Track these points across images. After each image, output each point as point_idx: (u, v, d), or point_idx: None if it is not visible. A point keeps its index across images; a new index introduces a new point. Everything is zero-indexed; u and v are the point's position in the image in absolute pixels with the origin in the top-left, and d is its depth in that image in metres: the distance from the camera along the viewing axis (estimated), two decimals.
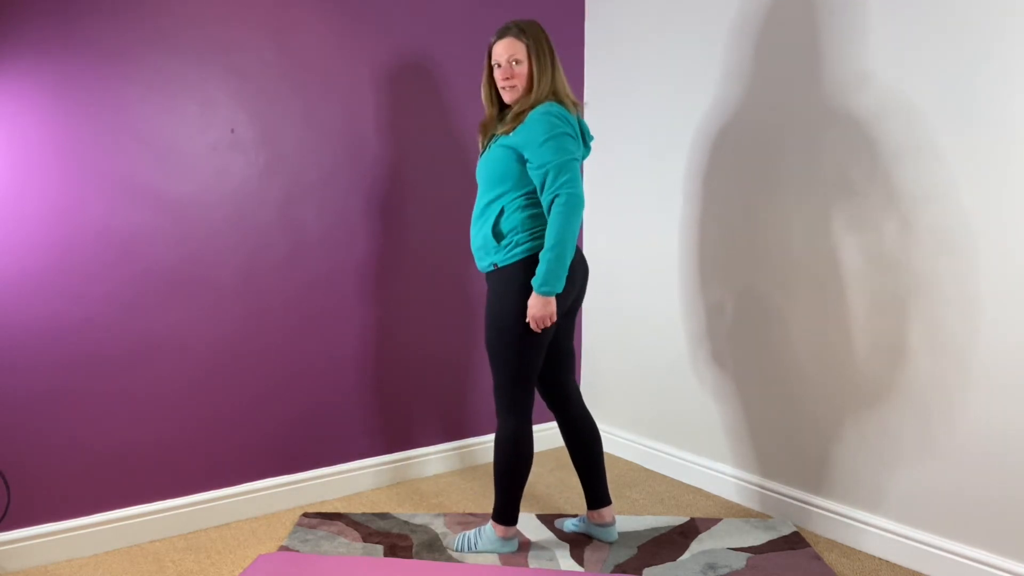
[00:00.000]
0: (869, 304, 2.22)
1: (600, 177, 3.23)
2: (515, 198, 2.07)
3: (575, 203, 1.95)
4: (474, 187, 2.90)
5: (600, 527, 2.31)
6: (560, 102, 2.06)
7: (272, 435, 2.59)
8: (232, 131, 2.43)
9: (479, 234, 2.14)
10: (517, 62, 2.06)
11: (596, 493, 2.30)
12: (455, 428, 3.01)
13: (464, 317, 2.99)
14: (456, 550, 2.24)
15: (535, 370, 2.12)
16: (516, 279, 2.05)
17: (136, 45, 2.24)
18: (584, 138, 2.14)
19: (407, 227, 2.83)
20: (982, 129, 1.94)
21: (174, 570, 2.15)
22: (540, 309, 1.99)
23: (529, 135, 1.99)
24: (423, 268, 2.87)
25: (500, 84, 2.09)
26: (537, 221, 2.07)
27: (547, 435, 3.31)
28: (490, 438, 3.12)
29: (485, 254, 2.12)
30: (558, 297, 2.05)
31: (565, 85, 2.10)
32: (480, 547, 2.22)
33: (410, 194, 2.82)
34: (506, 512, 2.19)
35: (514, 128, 2.04)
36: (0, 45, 2.04)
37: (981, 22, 1.92)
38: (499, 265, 2.09)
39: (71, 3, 2.13)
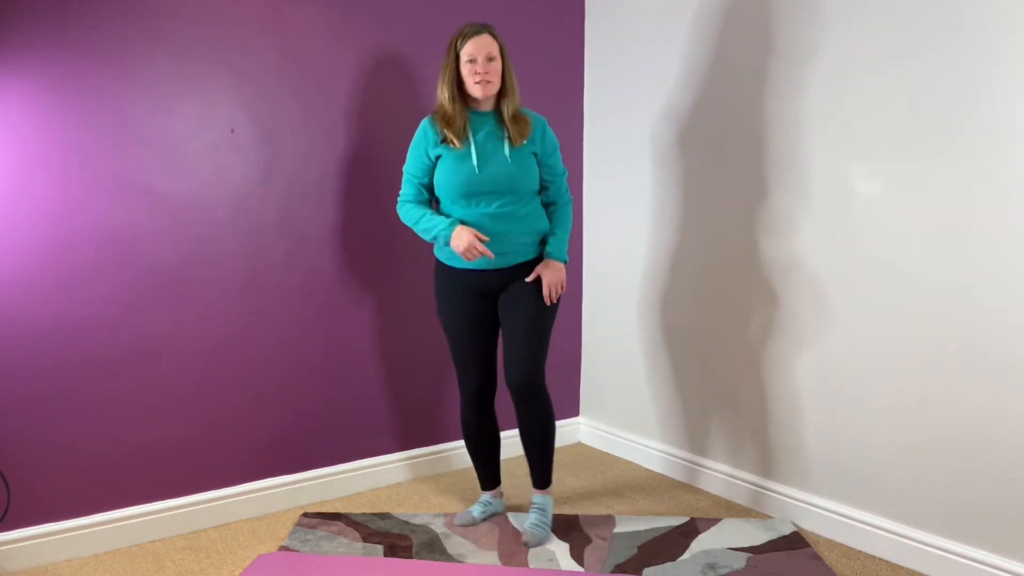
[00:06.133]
0: (869, 306, 2.22)
1: (600, 177, 3.23)
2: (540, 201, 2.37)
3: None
4: None
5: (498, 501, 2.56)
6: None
7: (272, 435, 2.59)
8: (232, 131, 2.43)
9: (530, 231, 2.28)
10: (491, 59, 2.18)
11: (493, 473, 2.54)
12: (455, 428, 3.01)
13: None
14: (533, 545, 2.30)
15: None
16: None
17: (136, 45, 2.24)
18: None
19: (406, 227, 2.82)
20: (973, 126, 1.94)
21: (174, 570, 2.15)
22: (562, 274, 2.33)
23: (549, 146, 2.32)
24: (422, 268, 2.87)
25: (475, 79, 2.17)
26: None
27: None
28: None
29: (533, 249, 2.31)
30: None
31: None
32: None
33: None
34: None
35: (524, 135, 2.23)
36: (0, 45, 2.04)
37: (963, 22, 1.93)
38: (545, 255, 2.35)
39: (71, 3, 2.13)
